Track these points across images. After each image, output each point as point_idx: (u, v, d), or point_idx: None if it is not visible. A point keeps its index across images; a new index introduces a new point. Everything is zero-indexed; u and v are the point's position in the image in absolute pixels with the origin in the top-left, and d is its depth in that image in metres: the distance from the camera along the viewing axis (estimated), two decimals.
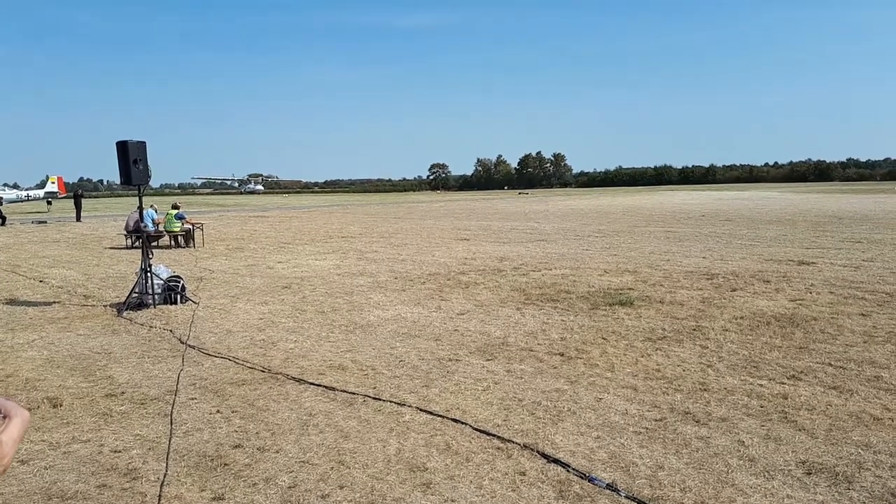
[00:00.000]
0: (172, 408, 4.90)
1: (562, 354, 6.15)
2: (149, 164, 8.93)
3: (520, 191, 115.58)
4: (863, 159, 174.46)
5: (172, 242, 17.79)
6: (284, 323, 7.79)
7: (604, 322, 7.45)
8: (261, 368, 5.90)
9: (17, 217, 34.34)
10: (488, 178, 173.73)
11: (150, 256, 9.25)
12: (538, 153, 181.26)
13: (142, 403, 5.02)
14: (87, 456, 4.07)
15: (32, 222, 30.60)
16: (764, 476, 3.63)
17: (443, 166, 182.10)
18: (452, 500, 3.44)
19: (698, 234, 18.74)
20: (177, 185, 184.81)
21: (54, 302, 9.44)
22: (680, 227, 21.35)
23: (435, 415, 4.66)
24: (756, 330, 6.92)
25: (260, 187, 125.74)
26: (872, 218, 23.93)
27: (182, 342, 6.93)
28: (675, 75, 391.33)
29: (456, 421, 4.53)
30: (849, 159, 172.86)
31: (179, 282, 9.30)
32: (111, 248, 17.88)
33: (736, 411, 4.60)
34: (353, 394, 5.13)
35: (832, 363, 5.67)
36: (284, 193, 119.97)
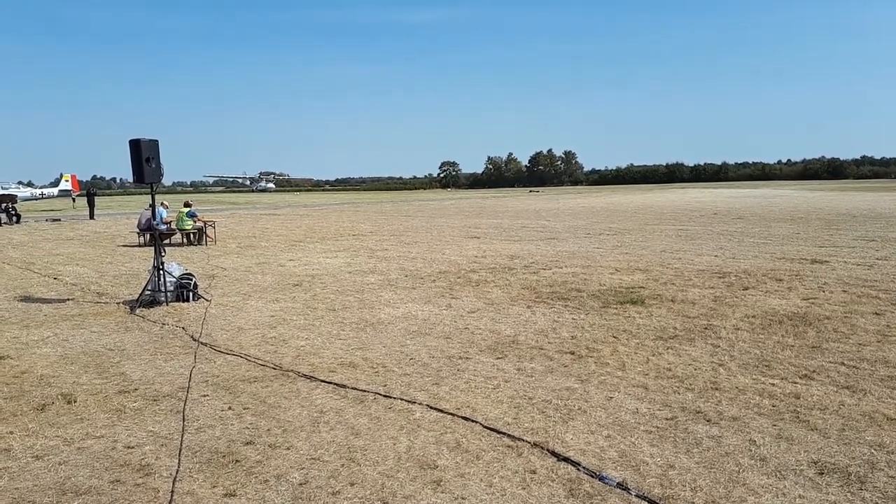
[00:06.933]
0: (185, 404, 4.94)
1: (572, 353, 6.14)
2: (161, 162, 9.01)
3: (531, 189, 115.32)
4: (877, 157, 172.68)
5: (185, 240, 17.93)
6: (295, 320, 7.82)
7: (615, 321, 7.43)
8: (272, 366, 5.94)
9: (32, 215, 34.72)
10: (499, 176, 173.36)
11: (163, 254, 9.31)
12: (549, 151, 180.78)
13: (154, 400, 5.07)
14: (101, 452, 4.12)
15: (47, 220, 30.94)
16: (776, 476, 3.61)
17: (453, 164, 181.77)
18: (462, 498, 3.44)
19: (710, 232, 18.62)
20: (189, 183, 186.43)
21: (68, 299, 9.54)
22: (692, 226, 21.23)
23: (445, 413, 4.66)
24: (768, 329, 6.88)
25: (271, 185, 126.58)
26: (887, 216, 23.67)
27: (194, 339, 6.99)
28: (686, 73, 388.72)
29: (466, 419, 4.53)
30: (863, 157, 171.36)
31: (192, 279, 9.37)
32: (124, 245, 18.04)
33: (747, 410, 4.58)
34: (364, 391, 5.15)
35: (845, 362, 5.62)
36: (296, 191, 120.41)
